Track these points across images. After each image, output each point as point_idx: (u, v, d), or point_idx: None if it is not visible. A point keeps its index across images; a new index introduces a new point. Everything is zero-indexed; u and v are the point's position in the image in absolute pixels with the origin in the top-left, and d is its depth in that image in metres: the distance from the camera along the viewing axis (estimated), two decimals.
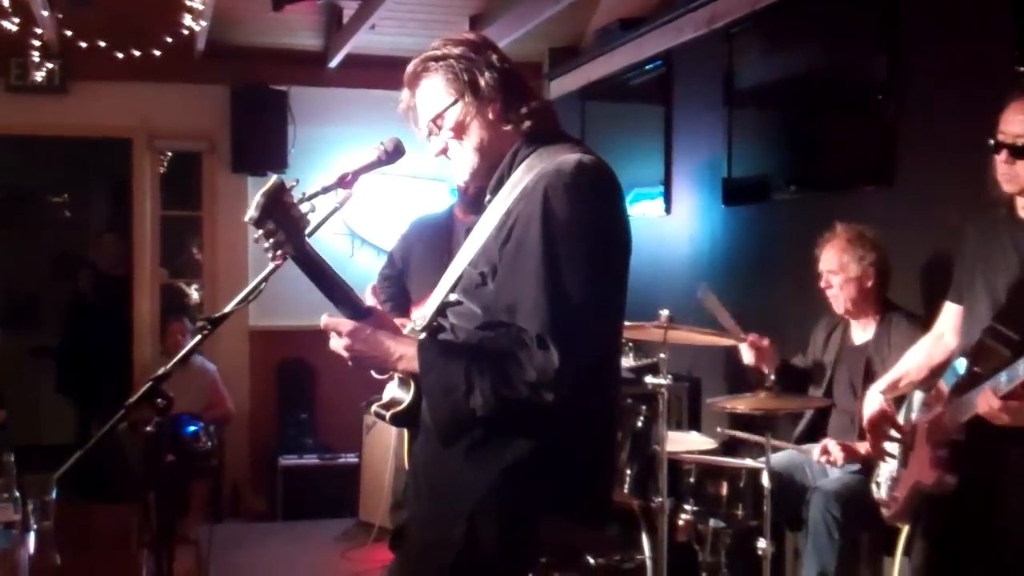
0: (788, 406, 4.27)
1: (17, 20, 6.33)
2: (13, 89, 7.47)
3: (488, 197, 2.47)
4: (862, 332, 4.46)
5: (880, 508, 3.62)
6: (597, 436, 2.41)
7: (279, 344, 7.87)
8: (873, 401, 3.46)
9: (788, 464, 4.42)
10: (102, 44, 7.04)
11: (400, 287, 5.33)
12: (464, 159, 2.47)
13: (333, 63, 7.70)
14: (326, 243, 2.00)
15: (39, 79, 7.37)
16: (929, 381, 3.43)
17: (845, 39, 5.20)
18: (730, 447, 4.95)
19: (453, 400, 2.24)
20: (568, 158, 2.32)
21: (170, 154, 8.17)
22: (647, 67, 6.95)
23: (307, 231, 2.30)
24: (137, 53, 7.13)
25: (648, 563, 4.05)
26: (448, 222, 5.43)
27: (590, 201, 2.27)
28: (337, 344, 2.41)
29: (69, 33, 6.89)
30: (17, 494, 2.94)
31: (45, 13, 6.47)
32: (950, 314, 3.41)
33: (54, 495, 3.03)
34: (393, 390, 2.47)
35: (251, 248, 7.87)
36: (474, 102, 2.40)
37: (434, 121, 2.46)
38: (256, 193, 2.26)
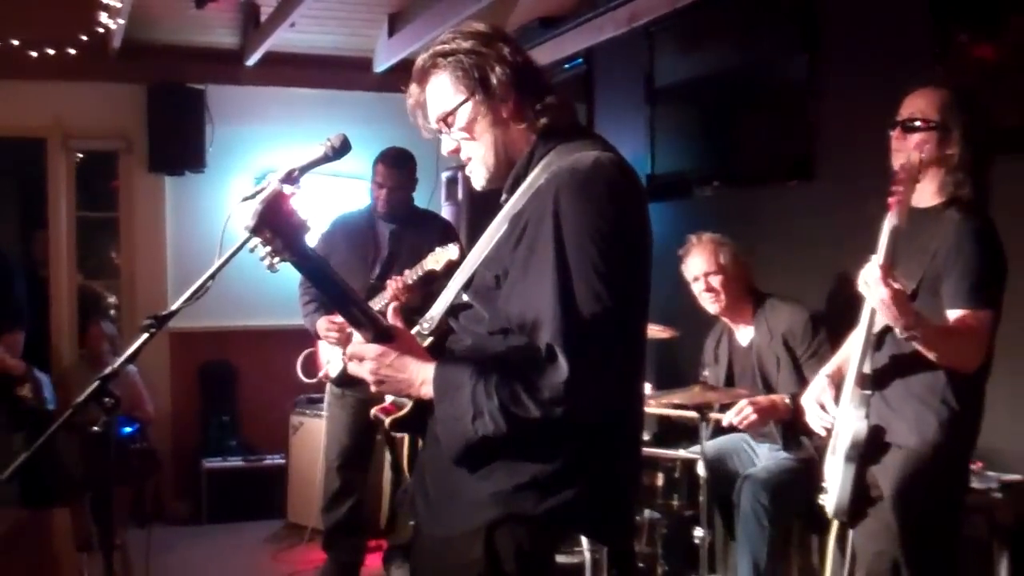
0: (720, 399, 4.34)
1: None
2: None
3: (504, 196, 2.36)
4: (745, 331, 4.59)
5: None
6: (618, 450, 2.29)
7: (200, 346, 7.75)
8: (817, 383, 3.57)
9: (719, 451, 4.50)
10: (15, 43, 6.89)
11: None
12: (478, 159, 2.37)
13: (250, 61, 7.61)
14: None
15: None
16: None
17: (766, 38, 5.31)
18: (662, 437, 5.02)
19: (462, 427, 2.15)
20: (584, 156, 2.22)
21: (81, 155, 7.99)
22: (567, 66, 7.01)
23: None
24: (52, 52, 7.00)
25: (587, 555, 4.09)
26: (370, 220, 5.42)
27: (604, 202, 2.16)
28: (359, 369, 2.31)
29: None
30: None
31: None
32: None
33: None
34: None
35: (169, 249, 7.77)
36: (485, 100, 2.30)
37: (444, 120, 2.36)
38: (250, 199, 2.15)
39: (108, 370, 2.33)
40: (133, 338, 2.39)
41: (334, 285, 2.29)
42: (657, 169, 6.13)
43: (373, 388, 2.34)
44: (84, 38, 6.94)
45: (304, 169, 2.40)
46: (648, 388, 4.66)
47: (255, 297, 7.30)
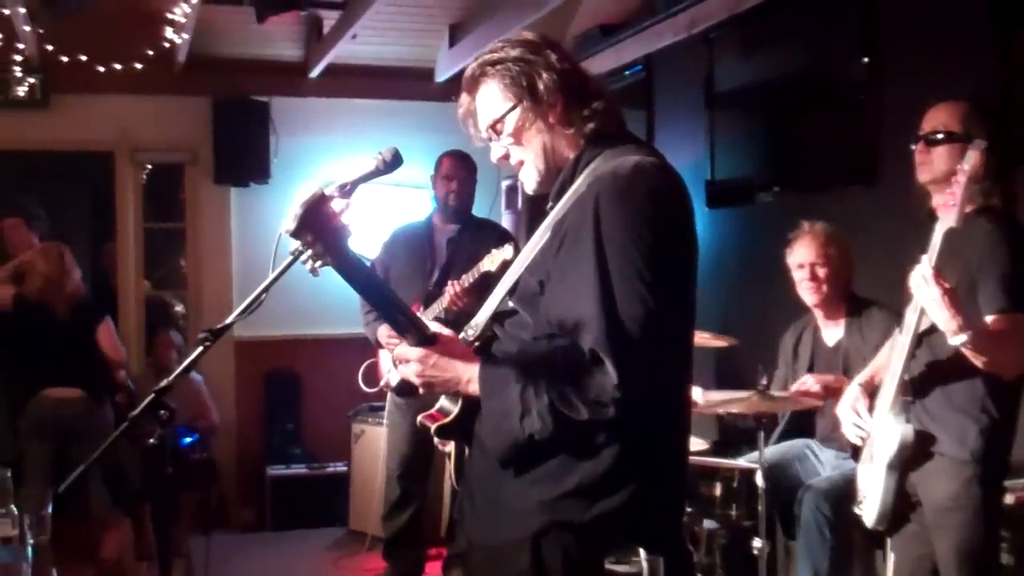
0: (781, 407, 4.29)
1: None
2: None
3: (550, 203, 2.36)
4: (833, 331, 4.51)
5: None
6: (664, 455, 2.29)
7: (265, 354, 7.86)
8: (850, 392, 3.56)
9: (782, 457, 4.44)
10: (83, 58, 7.05)
11: None
12: (527, 165, 2.39)
13: (314, 73, 7.70)
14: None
15: (21, 94, 7.34)
16: None
17: (826, 41, 5.25)
18: (721, 447, 4.97)
19: (509, 425, 2.16)
20: (625, 161, 2.22)
21: (148, 168, 8.14)
22: (627, 72, 6.98)
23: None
24: (118, 66, 7.14)
25: (644, 565, 4.06)
26: (428, 231, 5.46)
27: (644, 206, 2.16)
28: (407, 371, 2.34)
29: (50, 48, 6.89)
30: (14, 509, 2.91)
31: (27, 28, 6.47)
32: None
33: (50, 509, 3.00)
34: (441, 401, 2.41)
35: (235, 259, 7.88)
36: (533, 106, 2.31)
37: (493, 127, 2.39)
38: (296, 202, 2.15)
39: (163, 383, 2.36)
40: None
41: (378, 290, 2.32)
42: (717, 175, 6.08)
43: (421, 391, 2.36)
44: (150, 53, 7.08)
45: (356, 183, 2.40)
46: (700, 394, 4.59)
47: (319, 306, 7.36)
